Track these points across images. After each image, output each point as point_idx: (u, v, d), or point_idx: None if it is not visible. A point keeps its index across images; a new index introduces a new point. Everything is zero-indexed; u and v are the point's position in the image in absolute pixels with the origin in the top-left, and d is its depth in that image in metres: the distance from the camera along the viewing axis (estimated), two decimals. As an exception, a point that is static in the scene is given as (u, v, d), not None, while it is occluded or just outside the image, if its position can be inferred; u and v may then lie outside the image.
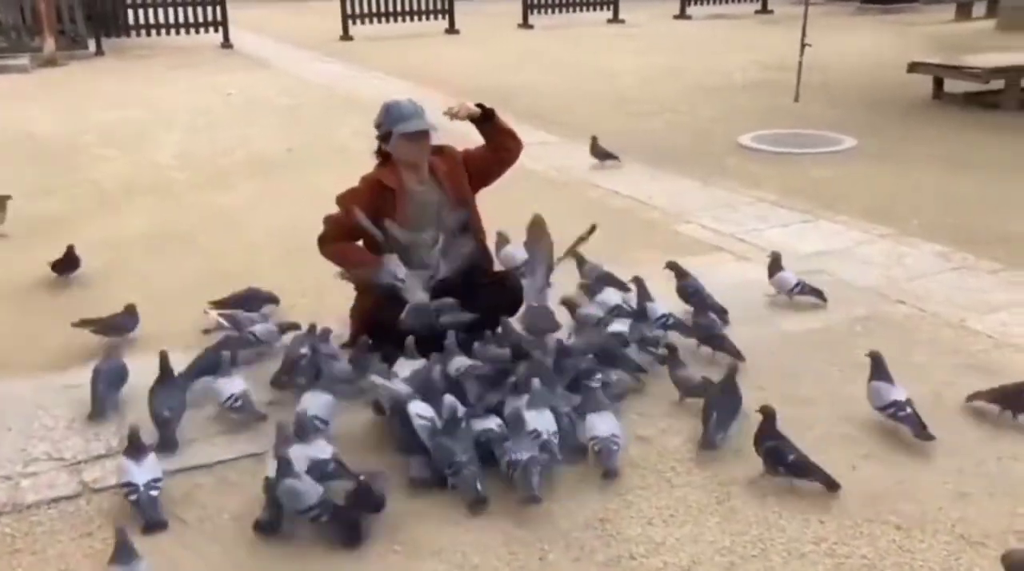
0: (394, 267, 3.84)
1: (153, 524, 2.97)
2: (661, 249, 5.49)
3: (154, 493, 3.02)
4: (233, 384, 3.61)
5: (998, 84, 9.42)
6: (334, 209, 4.09)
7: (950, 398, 3.71)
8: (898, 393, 3.46)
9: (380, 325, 3.89)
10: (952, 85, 9.81)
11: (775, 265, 4.67)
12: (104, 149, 8.42)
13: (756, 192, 6.69)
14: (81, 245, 5.40)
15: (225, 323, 4.27)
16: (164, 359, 3.63)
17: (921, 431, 3.36)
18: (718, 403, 3.42)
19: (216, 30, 15.74)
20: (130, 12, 15.69)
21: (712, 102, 10.10)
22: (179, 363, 3.77)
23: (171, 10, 15.83)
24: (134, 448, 3.12)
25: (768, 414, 3.22)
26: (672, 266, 4.51)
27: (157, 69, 13.24)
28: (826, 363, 4.02)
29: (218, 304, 4.52)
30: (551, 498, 3.08)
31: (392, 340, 3.80)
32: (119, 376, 3.77)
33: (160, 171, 7.62)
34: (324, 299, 4.58)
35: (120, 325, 4.31)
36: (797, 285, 4.57)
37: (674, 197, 6.55)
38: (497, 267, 4.56)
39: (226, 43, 15.52)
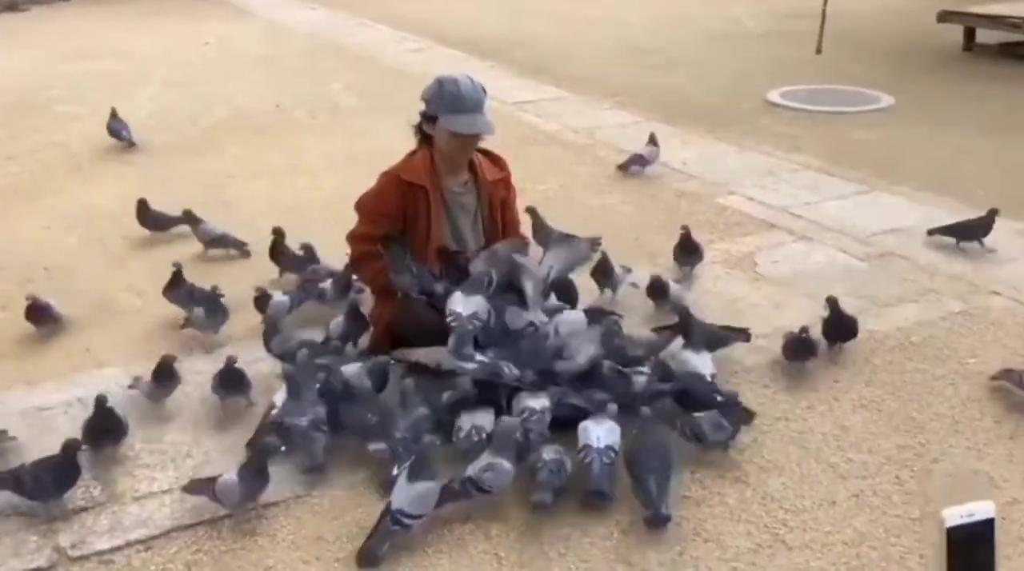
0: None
1: None
2: (709, 227, 4.89)
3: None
4: None
5: (1035, 35, 8.80)
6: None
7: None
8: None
9: (401, 333, 3.37)
10: (984, 35, 9.18)
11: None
12: (72, 105, 7.62)
13: (799, 157, 6.06)
14: (50, 219, 4.75)
15: None
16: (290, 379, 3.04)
17: None
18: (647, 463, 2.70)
19: (189, -28, 14.76)
20: (96, -48, 14.66)
21: (728, 53, 9.40)
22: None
23: (140, -49, 14.81)
24: None
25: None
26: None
27: (128, 15, 12.26)
28: (930, 374, 3.45)
29: None
30: (642, 566, 2.52)
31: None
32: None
33: (136, 131, 6.81)
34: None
35: None
36: None
37: (710, 163, 5.91)
38: None
39: (200, -14, 14.55)
